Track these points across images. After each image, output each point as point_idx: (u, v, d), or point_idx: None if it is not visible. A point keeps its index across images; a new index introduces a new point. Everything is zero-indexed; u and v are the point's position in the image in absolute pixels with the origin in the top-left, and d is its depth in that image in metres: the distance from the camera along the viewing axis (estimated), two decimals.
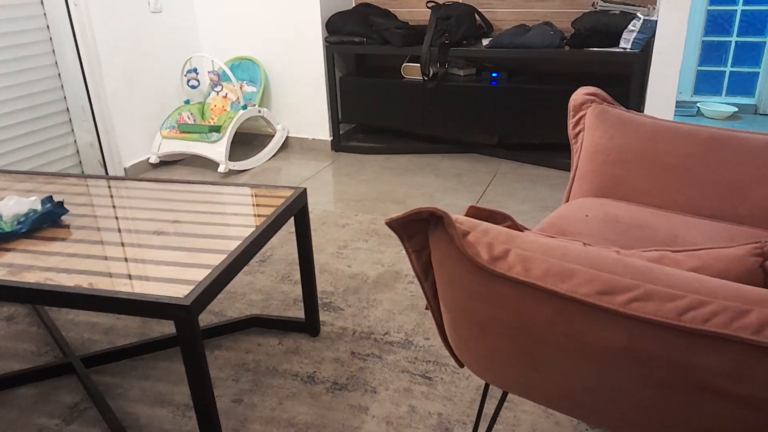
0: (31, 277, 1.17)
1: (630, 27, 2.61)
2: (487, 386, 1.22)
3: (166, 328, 1.77)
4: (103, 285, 1.14)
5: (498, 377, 1.00)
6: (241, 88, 3.31)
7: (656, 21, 2.48)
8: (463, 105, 3.05)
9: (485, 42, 2.95)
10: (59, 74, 2.75)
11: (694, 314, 0.72)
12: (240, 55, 3.40)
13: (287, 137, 3.49)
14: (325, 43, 3.19)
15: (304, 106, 3.38)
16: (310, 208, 2.62)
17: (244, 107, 3.13)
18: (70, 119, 2.84)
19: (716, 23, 3.79)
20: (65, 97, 2.79)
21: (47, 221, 1.41)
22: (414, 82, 3.12)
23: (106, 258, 1.25)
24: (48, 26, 2.67)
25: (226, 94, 3.31)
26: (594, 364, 0.81)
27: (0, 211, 1.37)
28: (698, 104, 3.78)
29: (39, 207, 1.42)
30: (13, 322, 1.82)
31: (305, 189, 1.57)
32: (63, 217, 1.46)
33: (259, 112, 3.24)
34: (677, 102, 2.61)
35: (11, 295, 1.15)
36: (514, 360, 0.92)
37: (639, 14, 2.59)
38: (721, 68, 3.85)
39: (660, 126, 1.51)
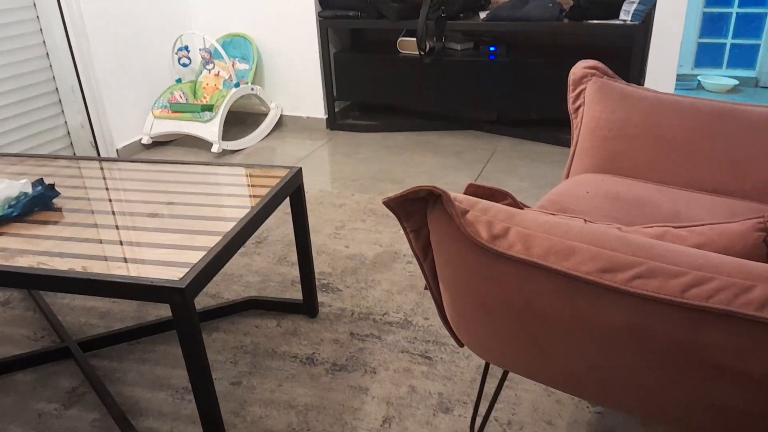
0: (24, 262, 1.15)
1: None
2: (487, 365, 1.21)
3: (163, 311, 1.76)
4: (98, 269, 1.12)
5: (499, 357, 0.99)
6: (233, 65, 3.25)
7: None
8: (460, 80, 3.00)
9: (483, 15, 2.89)
10: (47, 54, 2.69)
11: (698, 291, 0.70)
12: (232, 31, 3.33)
13: (281, 116, 3.44)
14: (319, 18, 3.12)
15: (298, 83, 3.33)
16: (306, 188, 2.59)
17: (237, 85, 3.08)
18: (60, 100, 2.78)
19: None
20: (54, 78, 2.74)
21: (39, 204, 1.38)
22: (410, 58, 3.06)
23: (100, 241, 1.23)
24: (35, 4, 2.60)
25: (218, 72, 3.25)
26: (596, 342, 0.80)
27: None
28: (699, 77, 3.74)
29: (30, 190, 1.40)
30: (9, 306, 1.81)
31: (300, 168, 1.55)
32: (55, 200, 1.43)
33: (252, 90, 3.18)
34: (678, 75, 2.57)
35: (5, 280, 1.14)
36: (515, 339, 0.91)
37: None
38: (722, 40, 3.79)
39: (661, 99, 1.48)
